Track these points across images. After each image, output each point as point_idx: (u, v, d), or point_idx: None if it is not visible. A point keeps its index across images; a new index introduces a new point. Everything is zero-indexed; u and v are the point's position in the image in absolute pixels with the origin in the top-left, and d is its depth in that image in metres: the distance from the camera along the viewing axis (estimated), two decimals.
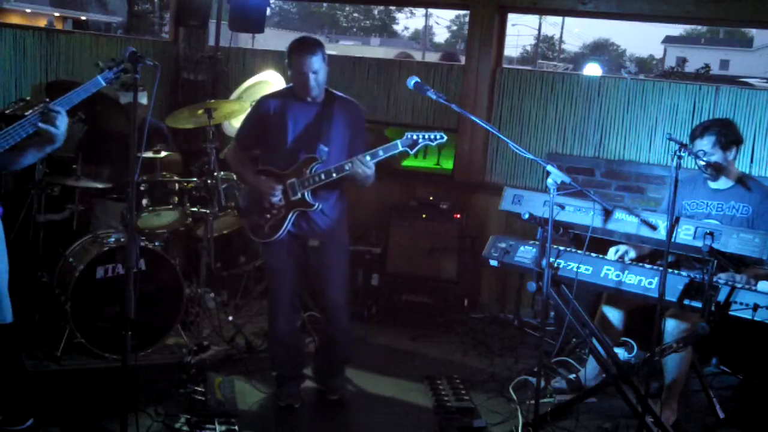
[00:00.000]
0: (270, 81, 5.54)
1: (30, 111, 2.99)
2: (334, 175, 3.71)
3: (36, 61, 5.50)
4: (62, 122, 2.96)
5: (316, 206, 3.78)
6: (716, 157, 3.91)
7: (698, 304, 3.28)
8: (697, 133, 3.95)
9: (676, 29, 45.57)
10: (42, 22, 23.07)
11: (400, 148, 3.69)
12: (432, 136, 3.70)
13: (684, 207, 4.07)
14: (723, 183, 4.00)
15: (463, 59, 6.12)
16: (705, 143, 3.90)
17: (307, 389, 4.11)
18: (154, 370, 4.17)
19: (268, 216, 3.81)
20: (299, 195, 3.77)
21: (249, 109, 4.05)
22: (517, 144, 3.50)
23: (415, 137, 3.69)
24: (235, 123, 5.50)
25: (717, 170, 3.95)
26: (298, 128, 3.79)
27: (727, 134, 3.92)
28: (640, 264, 3.57)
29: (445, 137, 3.75)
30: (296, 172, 3.77)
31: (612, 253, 3.80)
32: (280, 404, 3.94)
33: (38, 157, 3.17)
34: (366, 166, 3.67)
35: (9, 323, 3.21)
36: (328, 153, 3.77)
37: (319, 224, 3.85)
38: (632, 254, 3.79)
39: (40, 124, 2.91)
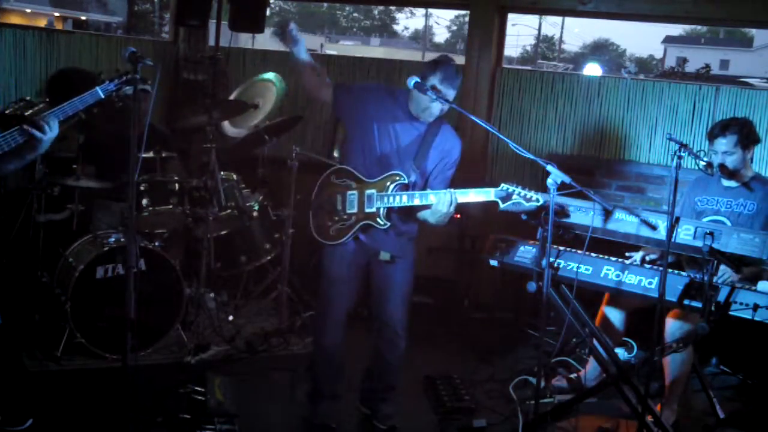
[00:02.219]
0: (271, 81, 5.54)
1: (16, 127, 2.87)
2: (418, 203, 3.48)
3: (36, 61, 5.50)
4: (50, 131, 2.85)
5: (386, 225, 3.55)
6: (736, 155, 3.94)
7: (698, 304, 3.28)
8: (716, 132, 3.97)
9: (676, 29, 45.58)
10: (42, 22, 23.10)
11: (493, 198, 3.37)
12: (528, 196, 3.31)
13: (695, 203, 4.13)
14: (735, 181, 4.05)
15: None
16: (726, 142, 3.93)
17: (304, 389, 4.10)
18: (154, 370, 4.17)
19: (336, 219, 3.61)
20: (374, 209, 3.54)
21: (365, 83, 3.81)
22: (517, 144, 3.50)
23: (510, 191, 3.34)
24: (235, 123, 5.52)
25: (730, 174, 4.01)
26: (397, 141, 3.57)
27: (749, 134, 3.96)
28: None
29: (541, 201, 3.31)
30: (379, 185, 3.55)
31: (637, 257, 3.85)
32: (314, 422, 3.77)
33: (18, 166, 3.03)
34: (452, 206, 3.41)
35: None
36: (414, 178, 3.58)
37: (394, 238, 3.64)
38: (653, 256, 3.81)
39: (26, 126, 2.81)
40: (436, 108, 3.50)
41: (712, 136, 3.99)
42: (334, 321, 3.75)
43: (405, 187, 3.55)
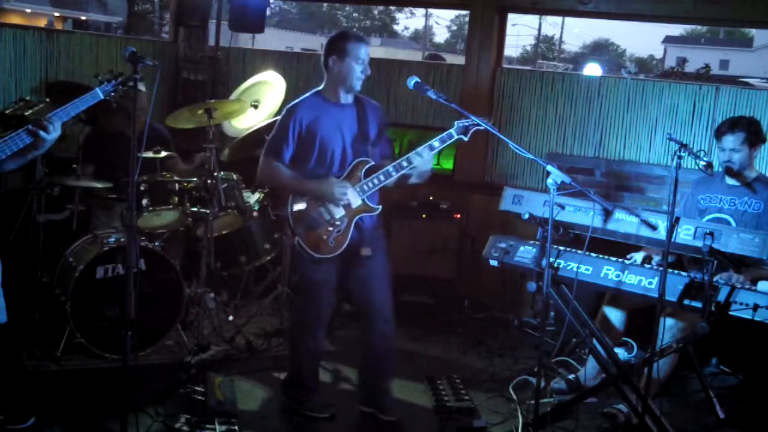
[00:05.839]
0: (270, 81, 5.54)
1: (24, 127, 2.97)
2: (394, 174, 3.59)
3: (36, 61, 5.50)
4: (54, 133, 2.93)
5: (379, 208, 3.68)
6: (743, 153, 3.98)
7: (698, 304, 3.28)
8: (725, 129, 4.01)
9: (676, 29, 45.56)
10: (42, 22, 23.08)
11: (455, 135, 3.59)
12: (479, 121, 3.53)
13: (698, 201, 4.17)
14: (740, 180, 4.07)
15: (448, 59, 6.13)
16: (734, 139, 3.97)
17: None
18: (154, 370, 4.17)
19: (330, 229, 3.61)
20: (360, 201, 3.63)
21: (279, 121, 3.74)
22: (517, 144, 3.50)
23: (465, 123, 3.58)
24: (236, 123, 5.51)
25: (735, 173, 4.04)
26: (341, 133, 3.66)
27: (756, 132, 4.00)
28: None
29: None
30: (350, 178, 3.64)
31: (638, 257, 3.85)
32: (324, 416, 3.83)
33: (19, 165, 3.09)
34: (428, 159, 3.61)
35: (4, 323, 3.19)
36: (369, 154, 3.72)
37: (369, 230, 3.72)
38: (657, 258, 3.81)
39: (32, 127, 2.89)
40: (367, 71, 3.63)
41: (720, 132, 4.02)
42: (323, 324, 3.87)
43: (373, 169, 3.65)
